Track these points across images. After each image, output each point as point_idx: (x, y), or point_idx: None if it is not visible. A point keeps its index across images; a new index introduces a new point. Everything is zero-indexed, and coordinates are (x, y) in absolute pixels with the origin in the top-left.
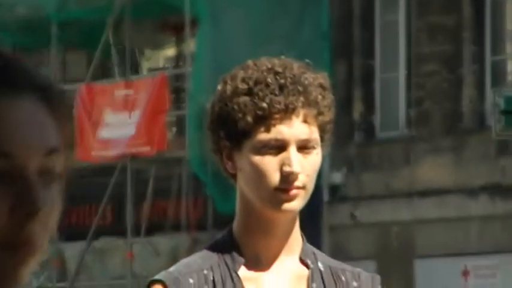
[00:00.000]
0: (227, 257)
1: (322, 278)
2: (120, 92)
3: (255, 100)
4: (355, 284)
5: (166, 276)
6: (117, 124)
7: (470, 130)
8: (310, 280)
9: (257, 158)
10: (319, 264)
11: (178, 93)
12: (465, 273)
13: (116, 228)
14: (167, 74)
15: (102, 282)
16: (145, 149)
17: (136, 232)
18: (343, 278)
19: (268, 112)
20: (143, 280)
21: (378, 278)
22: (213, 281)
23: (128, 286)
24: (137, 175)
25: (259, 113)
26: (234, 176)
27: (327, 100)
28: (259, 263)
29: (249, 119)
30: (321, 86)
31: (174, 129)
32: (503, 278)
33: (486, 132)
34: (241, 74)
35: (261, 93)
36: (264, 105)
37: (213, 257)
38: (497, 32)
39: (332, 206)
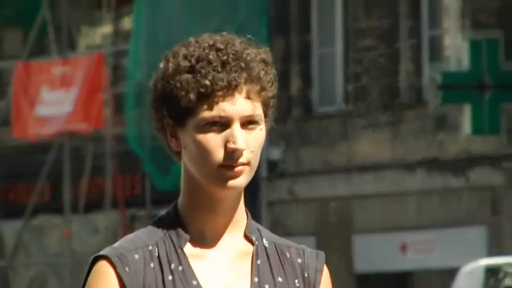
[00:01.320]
0: (172, 233)
1: (266, 254)
2: (57, 70)
3: (197, 77)
4: (299, 260)
5: (111, 252)
6: (54, 101)
7: (407, 105)
8: (255, 256)
9: (201, 136)
10: (264, 241)
11: (115, 71)
12: (403, 248)
13: (53, 206)
14: (104, 51)
15: (40, 260)
16: (83, 127)
17: (74, 210)
18: (287, 255)
19: (211, 89)
20: (81, 258)
21: (322, 254)
22: (158, 256)
23: (66, 264)
24: (74, 153)
25: (202, 90)
26: (179, 154)
27: (270, 75)
28: (204, 240)
29: (192, 96)
30: (264, 61)
31: (112, 106)
32: (441, 253)
33: (423, 107)
34: (183, 51)
35: (203, 71)
36: (207, 82)
37: (158, 233)
38: (433, 6)
39: (270, 182)
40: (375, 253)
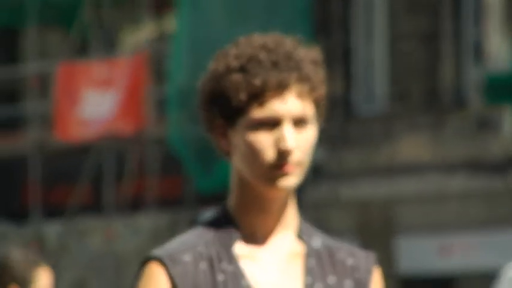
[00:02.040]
0: (222, 234)
1: (318, 255)
2: (99, 71)
3: (248, 77)
4: (351, 261)
5: (161, 253)
6: (96, 103)
7: (449, 107)
8: (306, 257)
9: (251, 136)
10: (315, 242)
11: (158, 72)
12: (445, 250)
13: (95, 208)
14: (147, 53)
15: (82, 262)
16: (125, 128)
17: (116, 211)
18: (339, 255)
19: (262, 89)
20: (123, 259)
21: (373, 255)
22: (208, 257)
23: (108, 266)
24: (117, 154)
25: (253, 90)
26: (229, 154)
27: (320, 75)
28: (255, 240)
29: (242, 96)
30: (314, 61)
31: (154, 107)
32: (483, 255)
33: (465, 109)
34: (233, 51)
35: (253, 70)
36: (257, 82)
37: (208, 234)
38: (476, 7)
39: (313, 183)
40: (417, 255)
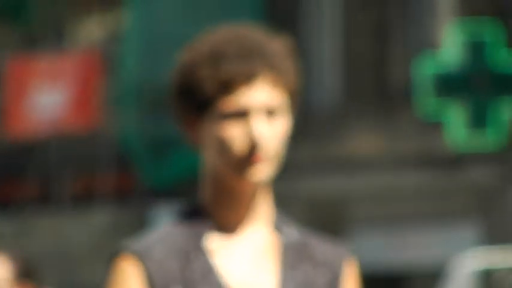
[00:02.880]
0: (194, 228)
1: (292, 247)
2: (49, 65)
3: (216, 69)
4: (325, 252)
5: (133, 246)
6: (46, 97)
7: (400, 102)
8: (281, 249)
9: (221, 128)
10: (290, 234)
11: (110, 66)
12: (396, 246)
13: (45, 203)
14: (98, 47)
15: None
16: (76, 123)
17: (67, 207)
18: (314, 247)
19: (230, 80)
20: (73, 255)
21: (348, 246)
22: (180, 252)
23: (58, 260)
24: (67, 150)
25: (221, 81)
26: (200, 147)
27: (291, 66)
28: (228, 233)
29: (211, 88)
30: (284, 52)
31: (106, 102)
32: (434, 250)
33: (415, 104)
34: (202, 43)
35: (222, 62)
36: (226, 73)
37: (180, 228)
38: (428, 2)
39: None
40: (369, 251)
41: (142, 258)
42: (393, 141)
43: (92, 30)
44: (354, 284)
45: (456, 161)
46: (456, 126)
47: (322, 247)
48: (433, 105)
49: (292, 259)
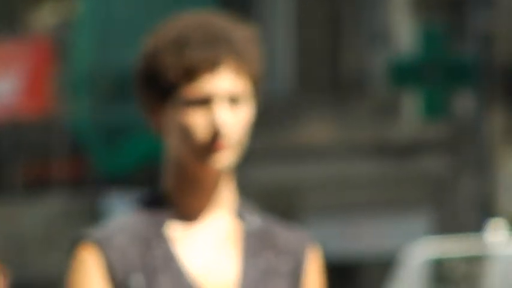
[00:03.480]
0: (156, 215)
1: (255, 235)
2: (2, 52)
3: (179, 56)
4: (289, 239)
5: (93, 234)
6: None
7: (355, 90)
8: (243, 237)
9: (184, 115)
10: (252, 222)
11: (63, 53)
12: (349, 234)
13: None
14: (51, 33)
15: None
16: (29, 110)
17: (21, 193)
18: (276, 234)
19: (193, 67)
20: (27, 242)
21: (309, 233)
22: (141, 239)
23: (12, 247)
24: (20, 136)
25: (184, 68)
26: (163, 133)
27: (254, 52)
28: (190, 220)
29: (174, 74)
30: (248, 38)
31: (59, 88)
32: (387, 238)
33: (371, 92)
34: (165, 29)
35: (185, 49)
36: (189, 60)
37: (142, 216)
38: None
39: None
40: (322, 240)
41: (102, 246)
42: (347, 130)
43: (45, 17)
44: (317, 271)
45: (409, 150)
46: (409, 116)
47: (285, 234)
48: (386, 94)
49: (255, 246)
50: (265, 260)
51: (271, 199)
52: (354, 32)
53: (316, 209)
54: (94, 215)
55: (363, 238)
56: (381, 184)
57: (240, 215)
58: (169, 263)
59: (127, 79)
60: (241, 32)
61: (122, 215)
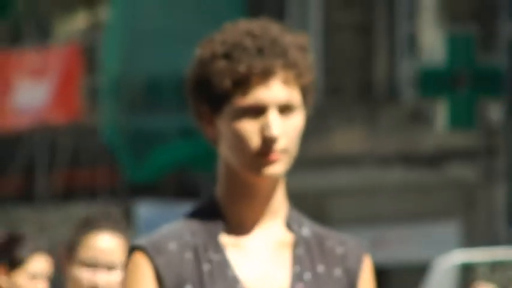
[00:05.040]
0: (209, 223)
1: (307, 243)
2: (33, 60)
3: (232, 64)
4: (341, 249)
5: (147, 242)
6: (29, 92)
7: (383, 99)
8: (295, 246)
9: (237, 123)
10: (305, 230)
11: (91, 61)
12: (377, 243)
13: (27, 197)
14: (80, 41)
15: None
16: (58, 117)
17: (49, 201)
18: (328, 244)
19: (246, 76)
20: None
21: (364, 243)
22: (194, 246)
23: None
24: (49, 144)
25: (237, 77)
26: (216, 141)
27: (307, 61)
28: (242, 229)
29: (227, 83)
30: (301, 47)
31: (88, 97)
32: (415, 247)
33: (399, 102)
34: (218, 37)
35: (238, 57)
36: (242, 68)
37: (195, 223)
38: (411, 1)
39: None
40: None
41: (154, 252)
42: (376, 139)
43: (75, 25)
44: (369, 280)
45: (439, 159)
46: (439, 125)
47: (336, 243)
48: (415, 103)
49: (307, 256)
50: (317, 269)
51: (301, 207)
52: (384, 41)
53: (345, 218)
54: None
55: (392, 247)
56: (410, 193)
57: (292, 224)
58: (222, 271)
59: (155, 87)
60: (294, 41)
61: (175, 222)
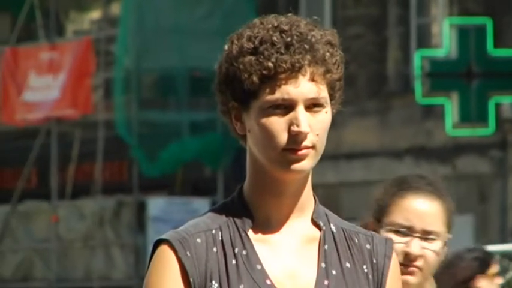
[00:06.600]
0: (237, 218)
1: (334, 239)
2: (45, 55)
3: (260, 59)
4: (368, 246)
5: (172, 236)
6: (41, 87)
7: (395, 93)
8: (322, 241)
9: (264, 119)
10: (332, 226)
11: (103, 56)
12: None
13: (40, 192)
14: (92, 36)
15: (26, 245)
16: (70, 112)
17: (61, 195)
18: (355, 240)
19: (274, 71)
20: (68, 243)
21: (391, 241)
22: (222, 241)
23: (53, 249)
24: (62, 138)
25: (265, 72)
26: (244, 137)
27: (335, 57)
28: (270, 224)
29: (255, 79)
30: (329, 43)
31: (100, 92)
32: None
33: (411, 95)
34: (247, 33)
35: (266, 52)
36: (270, 64)
37: (222, 218)
38: None
39: None
40: None
41: (181, 246)
42: (388, 131)
43: (88, 20)
44: (396, 278)
45: (452, 154)
46: (452, 119)
47: (364, 240)
48: (429, 96)
49: (334, 251)
50: (344, 265)
51: None
52: (397, 34)
53: (357, 212)
54: (136, 217)
55: None
56: None
57: (318, 220)
58: (250, 265)
59: (168, 82)
60: (322, 37)
61: (203, 216)
